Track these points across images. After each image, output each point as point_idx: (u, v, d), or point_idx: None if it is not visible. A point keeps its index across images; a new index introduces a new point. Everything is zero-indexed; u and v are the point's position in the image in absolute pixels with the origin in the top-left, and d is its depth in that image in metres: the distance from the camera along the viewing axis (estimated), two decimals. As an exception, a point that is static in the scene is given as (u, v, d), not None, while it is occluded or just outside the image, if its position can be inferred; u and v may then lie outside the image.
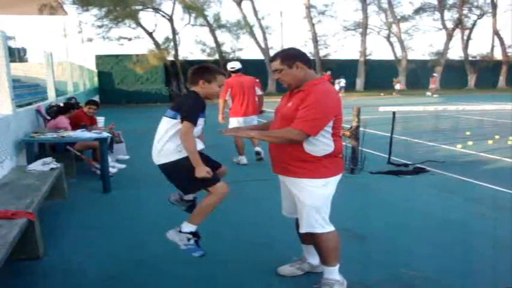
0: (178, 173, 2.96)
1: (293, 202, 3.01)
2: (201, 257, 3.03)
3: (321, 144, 2.77)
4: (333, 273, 2.97)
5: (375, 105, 9.82)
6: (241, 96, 7.15)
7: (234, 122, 7.09)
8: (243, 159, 7.35)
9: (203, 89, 2.99)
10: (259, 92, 7.36)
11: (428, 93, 29.45)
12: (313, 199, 2.83)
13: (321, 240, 2.92)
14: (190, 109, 2.86)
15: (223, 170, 3.19)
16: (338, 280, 2.97)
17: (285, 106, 2.89)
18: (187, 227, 3.02)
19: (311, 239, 3.01)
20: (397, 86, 31.81)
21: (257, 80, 7.43)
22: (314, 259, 3.23)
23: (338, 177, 2.91)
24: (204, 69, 3.03)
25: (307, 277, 3.20)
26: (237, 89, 7.15)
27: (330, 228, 2.93)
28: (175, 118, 2.88)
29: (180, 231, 3.02)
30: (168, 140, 2.90)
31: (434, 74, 31.54)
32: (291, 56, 2.82)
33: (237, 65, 7.40)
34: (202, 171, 2.82)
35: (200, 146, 2.99)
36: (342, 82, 30.46)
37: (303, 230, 2.94)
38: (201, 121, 2.96)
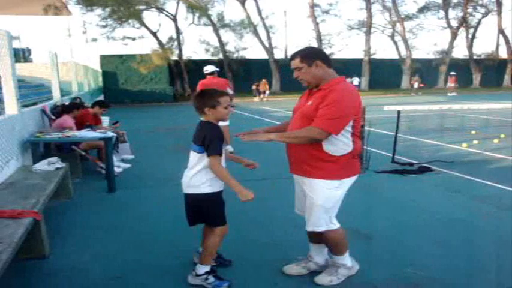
0: (198, 206, 3.03)
1: (305, 201, 3.05)
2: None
3: (340, 144, 2.79)
4: (343, 259, 3.10)
5: (379, 104, 9.80)
6: None
7: None
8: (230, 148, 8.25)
9: (211, 116, 2.94)
10: (229, 91, 8.11)
11: (452, 93, 29.50)
12: (326, 200, 2.87)
13: (327, 237, 3.02)
14: (213, 143, 2.86)
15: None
16: (345, 264, 3.09)
17: (304, 105, 2.91)
18: (201, 268, 3.09)
19: (318, 236, 3.09)
20: (416, 85, 31.79)
21: (228, 81, 8.77)
22: (320, 258, 3.25)
23: (353, 179, 2.94)
24: (205, 96, 2.97)
25: (313, 276, 3.19)
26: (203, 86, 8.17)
27: (335, 226, 2.99)
28: (201, 152, 2.91)
29: (197, 275, 3.09)
30: (195, 174, 2.96)
31: (452, 73, 31.50)
32: (310, 55, 2.86)
33: (211, 68, 8.71)
34: (246, 195, 2.84)
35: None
36: (355, 81, 30.68)
37: (308, 228, 3.00)
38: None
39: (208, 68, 8.71)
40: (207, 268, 3.09)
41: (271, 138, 2.86)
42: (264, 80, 28.30)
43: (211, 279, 3.07)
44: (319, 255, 3.25)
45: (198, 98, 2.98)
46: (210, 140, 2.85)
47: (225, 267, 3.33)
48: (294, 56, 2.89)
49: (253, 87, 28.59)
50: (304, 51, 2.91)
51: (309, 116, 2.78)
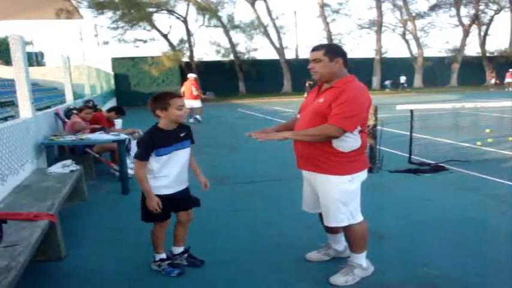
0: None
1: (313, 198, 3.12)
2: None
3: (350, 141, 2.83)
4: (359, 259, 3.11)
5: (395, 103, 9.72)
6: (186, 90, 14.56)
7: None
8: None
9: (164, 118, 3.07)
10: (193, 88, 14.47)
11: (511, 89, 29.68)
12: (341, 194, 2.91)
13: (349, 231, 3.05)
14: (138, 147, 3.06)
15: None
16: (361, 264, 3.10)
17: (314, 102, 2.93)
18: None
19: (337, 228, 3.16)
20: (493, 81, 31.77)
21: (194, 82, 14.63)
22: (339, 246, 3.41)
23: (364, 173, 3.00)
24: (155, 99, 3.08)
25: (328, 276, 3.19)
26: (184, 86, 14.86)
27: (358, 219, 3.02)
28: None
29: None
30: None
31: (511, 69, 31.55)
32: (335, 51, 2.91)
33: (190, 76, 15.08)
34: (152, 203, 3.05)
35: (171, 189, 3.15)
36: (402, 79, 30.94)
37: (330, 224, 3.04)
38: (176, 154, 3.10)
39: (189, 76, 15.05)
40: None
41: (285, 136, 2.90)
42: None
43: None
44: (337, 243, 3.40)
45: (151, 101, 3.09)
46: (138, 144, 3.06)
47: (197, 267, 3.39)
48: (318, 48, 2.90)
49: (307, 84, 28.89)
50: (330, 46, 2.98)
51: (321, 113, 2.81)
